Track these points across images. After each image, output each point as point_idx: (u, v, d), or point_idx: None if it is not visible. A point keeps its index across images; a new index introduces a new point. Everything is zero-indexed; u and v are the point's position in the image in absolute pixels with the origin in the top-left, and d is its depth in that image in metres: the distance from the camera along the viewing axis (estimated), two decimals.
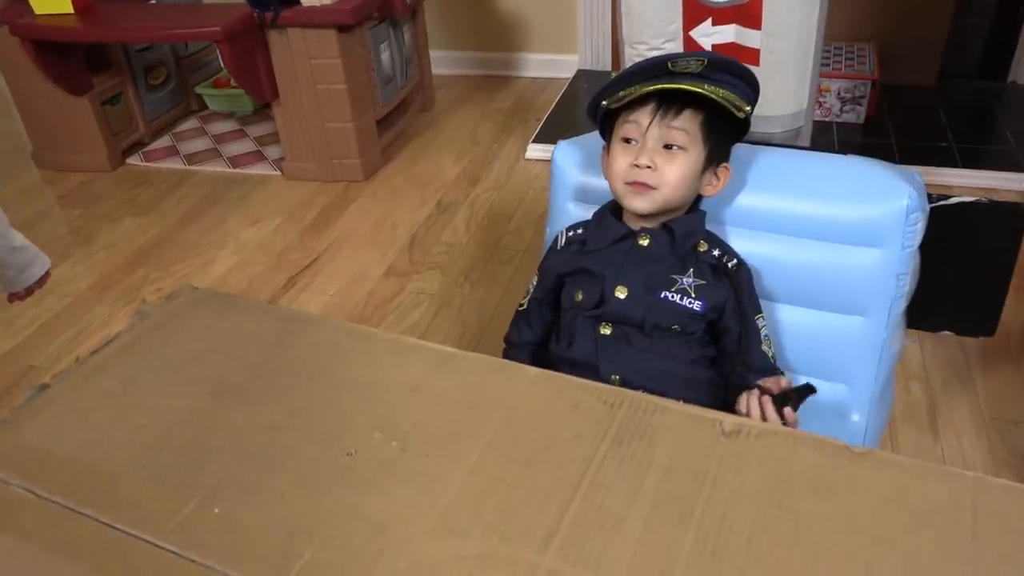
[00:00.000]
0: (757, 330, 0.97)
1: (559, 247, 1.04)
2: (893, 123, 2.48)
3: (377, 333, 0.79)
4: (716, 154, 0.96)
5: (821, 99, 2.46)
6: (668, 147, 0.93)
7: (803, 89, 1.50)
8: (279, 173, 2.51)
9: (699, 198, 1.00)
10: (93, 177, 2.56)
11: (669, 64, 0.91)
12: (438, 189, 2.39)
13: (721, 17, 1.42)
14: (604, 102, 0.96)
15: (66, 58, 2.35)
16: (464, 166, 2.52)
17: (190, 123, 2.91)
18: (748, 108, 0.93)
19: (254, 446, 0.63)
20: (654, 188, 0.93)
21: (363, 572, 0.52)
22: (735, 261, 0.98)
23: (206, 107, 2.99)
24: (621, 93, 0.94)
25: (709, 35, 1.44)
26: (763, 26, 1.39)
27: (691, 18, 1.44)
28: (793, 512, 0.55)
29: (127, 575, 0.53)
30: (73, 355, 1.78)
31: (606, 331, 0.93)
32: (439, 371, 0.70)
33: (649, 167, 0.92)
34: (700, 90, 0.89)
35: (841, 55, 2.56)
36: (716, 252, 0.99)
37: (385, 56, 2.48)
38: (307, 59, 2.24)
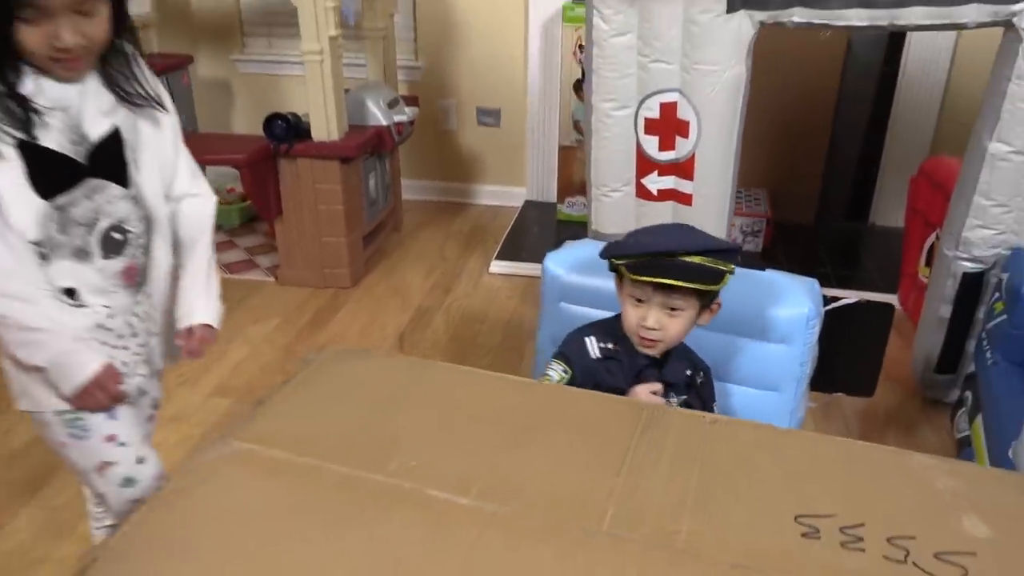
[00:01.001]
0: None
1: (593, 355, 1.26)
2: (784, 252, 3.08)
3: (473, 370, 1.17)
4: (708, 301, 1.21)
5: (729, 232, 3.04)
6: (671, 308, 1.18)
7: (723, 223, 2.01)
8: (272, 279, 2.86)
9: None
10: None
11: (667, 255, 1.14)
12: (416, 296, 2.79)
13: (664, 170, 1.93)
14: (616, 261, 1.20)
15: None
16: (436, 278, 2.94)
17: None
18: (728, 269, 1.17)
19: (425, 430, 1.00)
20: (661, 341, 1.20)
21: (513, 491, 0.89)
22: (701, 374, 1.29)
23: None
24: (630, 263, 1.16)
25: (655, 183, 1.95)
26: (694, 178, 1.90)
27: (642, 170, 1.95)
28: (748, 462, 0.96)
29: (375, 498, 0.88)
30: None
31: None
32: (526, 392, 1.10)
33: (655, 329, 1.18)
34: (684, 284, 1.14)
35: (742, 198, 3.18)
36: (689, 372, 1.27)
37: (372, 183, 2.92)
38: (312, 184, 2.65)
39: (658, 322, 1.18)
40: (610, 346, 1.25)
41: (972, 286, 1.88)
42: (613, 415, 1.05)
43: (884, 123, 3.16)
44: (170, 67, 3.18)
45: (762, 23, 1.70)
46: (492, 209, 3.62)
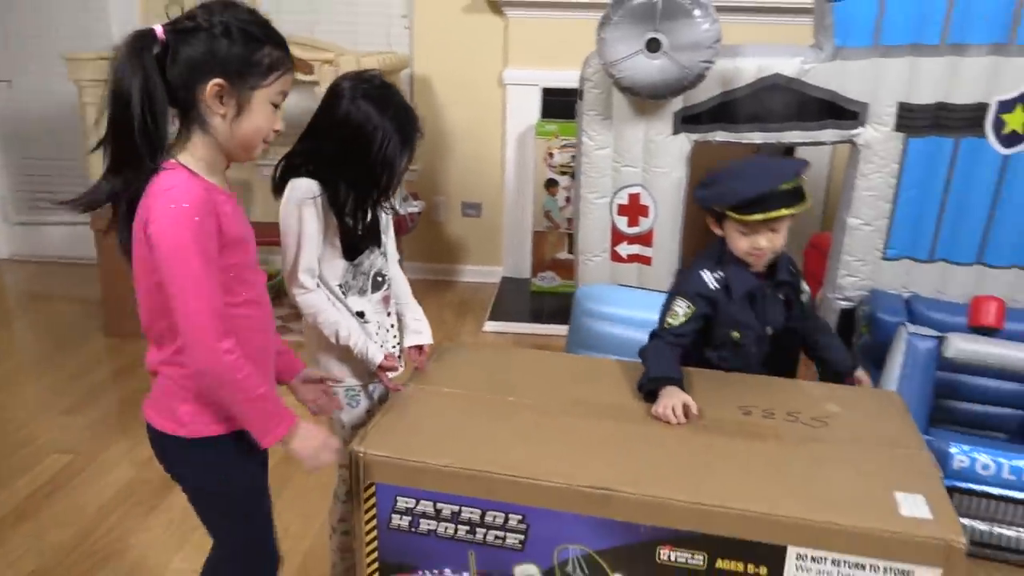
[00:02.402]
0: None
1: (712, 287, 1.57)
2: None
3: (543, 351, 1.86)
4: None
5: None
6: (771, 229, 1.50)
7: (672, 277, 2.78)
8: None
9: None
10: None
11: (778, 187, 1.45)
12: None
13: (631, 241, 2.69)
14: (724, 208, 1.52)
15: None
16: (440, 337, 3.54)
17: None
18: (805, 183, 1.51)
19: (525, 378, 1.68)
20: (769, 253, 1.54)
21: (581, 402, 1.58)
22: (793, 267, 1.69)
23: None
24: (744, 210, 1.48)
25: (625, 250, 2.71)
26: (653, 245, 2.68)
27: (615, 240, 2.70)
28: (715, 387, 1.68)
29: (507, 407, 1.56)
30: None
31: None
32: (580, 361, 1.80)
33: (767, 245, 1.52)
34: (791, 211, 1.49)
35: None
36: (791, 268, 1.68)
37: None
38: None
39: (768, 241, 1.51)
40: (720, 274, 1.57)
41: (847, 318, 2.69)
42: (637, 370, 1.76)
43: None
44: None
45: (696, 141, 2.53)
46: (474, 285, 4.35)
